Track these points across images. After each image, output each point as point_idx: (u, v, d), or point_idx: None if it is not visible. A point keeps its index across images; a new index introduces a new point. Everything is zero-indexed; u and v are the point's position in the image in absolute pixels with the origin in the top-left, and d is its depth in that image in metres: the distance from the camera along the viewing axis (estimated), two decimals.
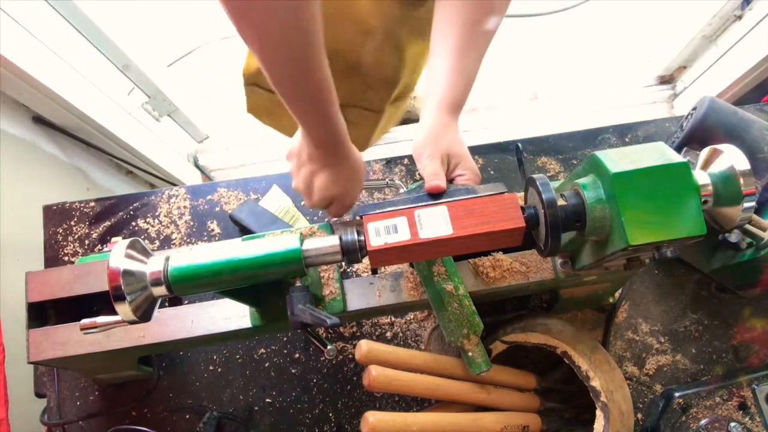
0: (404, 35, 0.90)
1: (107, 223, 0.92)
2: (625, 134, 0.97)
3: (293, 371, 0.84)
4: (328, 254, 0.54)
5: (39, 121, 1.25)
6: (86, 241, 0.91)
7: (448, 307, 0.66)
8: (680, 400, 0.73)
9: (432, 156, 0.63)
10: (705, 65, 1.83)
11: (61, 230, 0.92)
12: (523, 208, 0.54)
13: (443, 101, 0.64)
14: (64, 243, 0.91)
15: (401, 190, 0.78)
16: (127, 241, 0.53)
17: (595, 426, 0.67)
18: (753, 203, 0.51)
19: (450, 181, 0.65)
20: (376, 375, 0.65)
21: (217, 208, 0.93)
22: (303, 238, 0.55)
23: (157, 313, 0.56)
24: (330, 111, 0.59)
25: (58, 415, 0.81)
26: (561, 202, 0.52)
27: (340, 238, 0.54)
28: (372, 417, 0.63)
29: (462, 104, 0.67)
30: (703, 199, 0.52)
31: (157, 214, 0.93)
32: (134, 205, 0.93)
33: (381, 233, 0.52)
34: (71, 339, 0.65)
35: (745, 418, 0.73)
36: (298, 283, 0.56)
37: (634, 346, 0.84)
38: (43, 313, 0.69)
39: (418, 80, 1.10)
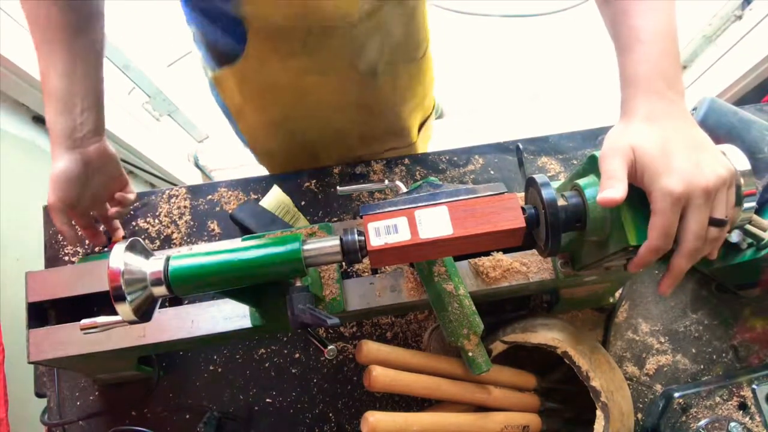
0: (382, 100, 0.92)
1: None
2: None
3: (293, 371, 0.84)
4: (329, 254, 0.54)
5: (39, 120, 1.25)
6: (86, 241, 0.91)
7: (448, 307, 0.66)
8: (680, 400, 0.73)
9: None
10: (705, 65, 1.82)
11: None
12: (523, 208, 0.54)
13: None
14: (65, 243, 0.90)
15: (401, 190, 0.78)
16: (128, 241, 0.53)
17: (595, 426, 0.67)
18: (753, 203, 0.51)
19: None
20: (376, 375, 0.65)
21: (218, 208, 0.93)
22: (303, 238, 0.55)
23: (157, 313, 0.56)
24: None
25: (58, 415, 0.81)
26: (561, 202, 0.52)
27: (341, 239, 0.54)
28: (372, 417, 0.63)
29: None
30: None
31: (157, 214, 0.93)
32: (134, 204, 0.93)
33: (381, 233, 0.52)
34: (71, 339, 0.65)
35: (745, 418, 0.73)
36: (298, 283, 0.56)
37: (634, 346, 0.84)
38: (43, 313, 0.69)
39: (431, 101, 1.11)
